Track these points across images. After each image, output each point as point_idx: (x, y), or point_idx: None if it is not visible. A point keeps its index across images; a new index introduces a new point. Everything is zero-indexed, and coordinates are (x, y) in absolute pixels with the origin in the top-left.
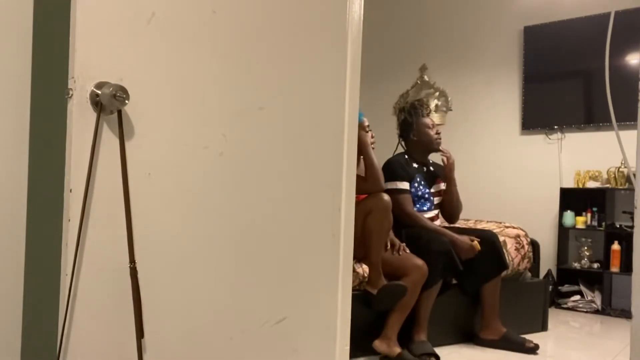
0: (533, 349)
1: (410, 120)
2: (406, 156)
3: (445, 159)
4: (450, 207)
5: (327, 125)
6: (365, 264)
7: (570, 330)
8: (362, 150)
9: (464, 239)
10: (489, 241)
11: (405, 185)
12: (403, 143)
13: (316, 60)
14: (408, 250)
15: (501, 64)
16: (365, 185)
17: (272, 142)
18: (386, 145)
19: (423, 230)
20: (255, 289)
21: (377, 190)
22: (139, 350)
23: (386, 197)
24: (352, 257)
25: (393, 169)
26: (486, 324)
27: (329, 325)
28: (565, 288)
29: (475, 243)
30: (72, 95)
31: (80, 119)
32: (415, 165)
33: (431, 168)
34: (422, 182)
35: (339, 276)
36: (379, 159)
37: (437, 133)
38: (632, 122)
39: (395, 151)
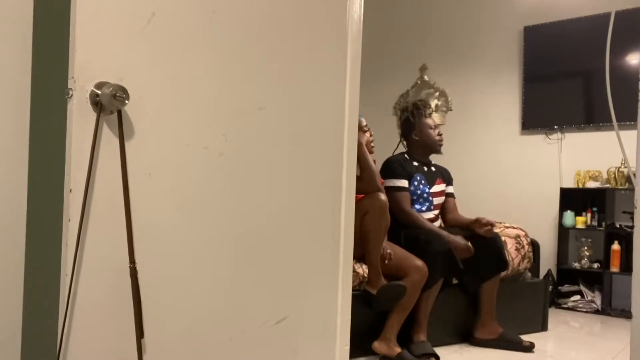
0: (529, 348)
1: (412, 120)
2: (406, 155)
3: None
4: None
5: (327, 125)
6: (365, 264)
7: (570, 330)
8: (357, 150)
9: (459, 239)
10: (490, 240)
11: (403, 182)
12: (404, 143)
13: (316, 60)
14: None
15: (501, 64)
16: (361, 185)
17: (272, 143)
18: (385, 145)
19: (421, 230)
20: (255, 289)
21: (373, 190)
22: (139, 350)
23: (383, 196)
24: (352, 257)
25: (392, 167)
26: (482, 323)
27: (329, 326)
28: (565, 288)
29: (469, 245)
30: (72, 95)
31: (80, 119)
32: (415, 163)
33: (432, 168)
34: (422, 181)
35: (339, 276)
36: (379, 158)
37: (439, 134)
38: (632, 122)
39: (395, 150)
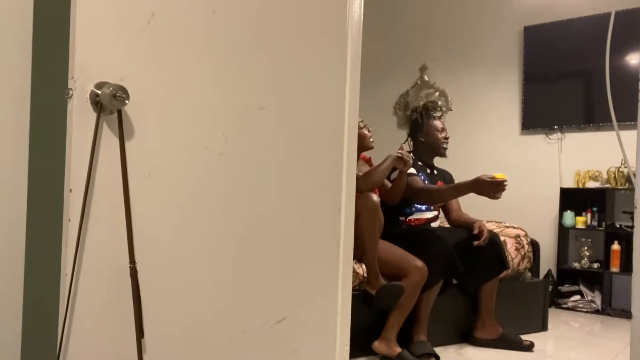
0: (529, 347)
1: (420, 121)
2: (412, 155)
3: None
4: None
5: (327, 125)
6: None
7: (570, 330)
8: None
9: (484, 177)
10: (490, 241)
11: (412, 170)
12: (411, 143)
13: (316, 60)
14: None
15: (501, 64)
16: (357, 184)
17: (272, 142)
18: (386, 145)
19: (428, 232)
20: (255, 289)
21: (364, 189)
22: (139, 350)
23: (374, 197)
24: (352, 257)
25: None
26: (482, 323)
27: (329, 325)
28: (565, 288)
29: (499, 175)
30: (72, 95)
31: (80, 119)
32: (420, 163)
33: (435, 171)
34: (426, 181)
35: (339, 276)
36: (377, 158)
37: (446, 138)
38: (632, 122)
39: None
